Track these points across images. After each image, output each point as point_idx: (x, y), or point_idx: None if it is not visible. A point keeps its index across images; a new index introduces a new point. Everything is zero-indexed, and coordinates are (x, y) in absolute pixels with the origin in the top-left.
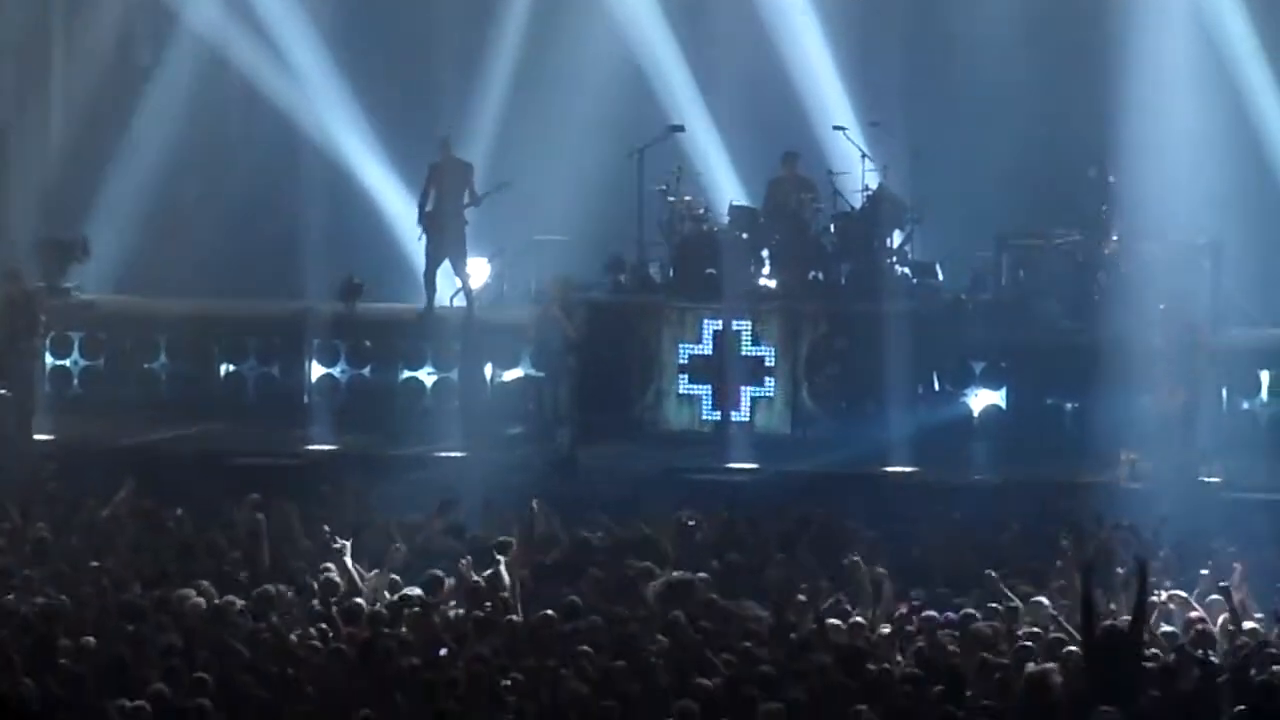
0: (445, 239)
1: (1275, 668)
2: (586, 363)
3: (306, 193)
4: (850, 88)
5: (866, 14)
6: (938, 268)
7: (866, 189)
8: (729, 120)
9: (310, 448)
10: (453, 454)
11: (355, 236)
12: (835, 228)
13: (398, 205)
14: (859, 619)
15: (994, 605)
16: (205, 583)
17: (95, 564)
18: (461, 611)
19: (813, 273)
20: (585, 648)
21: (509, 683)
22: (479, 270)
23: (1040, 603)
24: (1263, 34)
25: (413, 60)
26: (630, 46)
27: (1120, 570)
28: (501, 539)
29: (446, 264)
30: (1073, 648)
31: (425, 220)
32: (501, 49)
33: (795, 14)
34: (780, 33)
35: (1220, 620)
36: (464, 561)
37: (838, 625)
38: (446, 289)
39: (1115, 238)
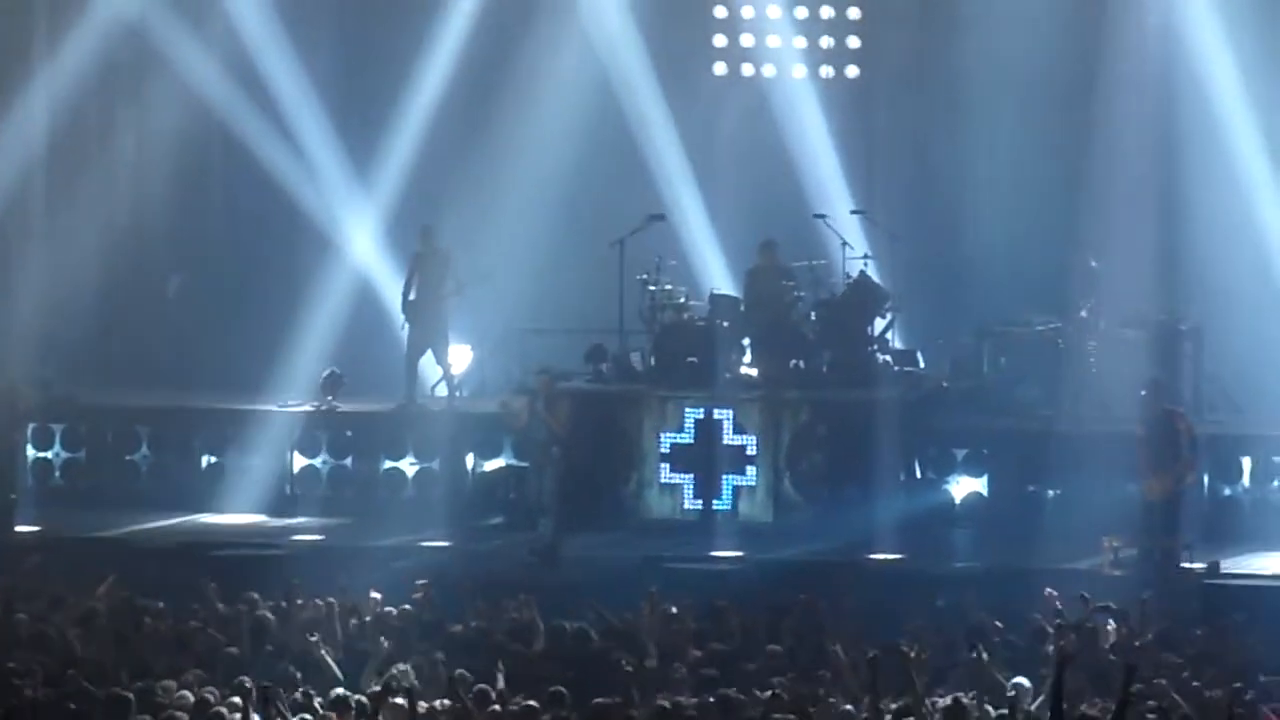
0: (427, 328)
1: None
2: (570, 453)
3: (295, 282)
4: (835, 176)
5: (851, 103)
6: (919, 355)
7: (848, 277)
8: (718, 205)
9: (294, 538)
10: (435, 543)
11: (343, 325)
12: (817, 316)
13: (391, 293)
14: (848, 707)
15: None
16: (190, 675)
17: (79, 656)
18: (446, 702)
19: (794, 361)
20: None
21: None
22: (460, 358)
23: (1023, 685)
24: (1258, 113)
25: (409, 142)
26: (620, 129)
27: (1111, 656)
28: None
29: (429, 353)
30: None
31: (408, 309)
32: (491, 138)
33: (784, 99)
34: (769, 118)
35: None
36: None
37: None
38: (429, 378)
39: (1096, 323)
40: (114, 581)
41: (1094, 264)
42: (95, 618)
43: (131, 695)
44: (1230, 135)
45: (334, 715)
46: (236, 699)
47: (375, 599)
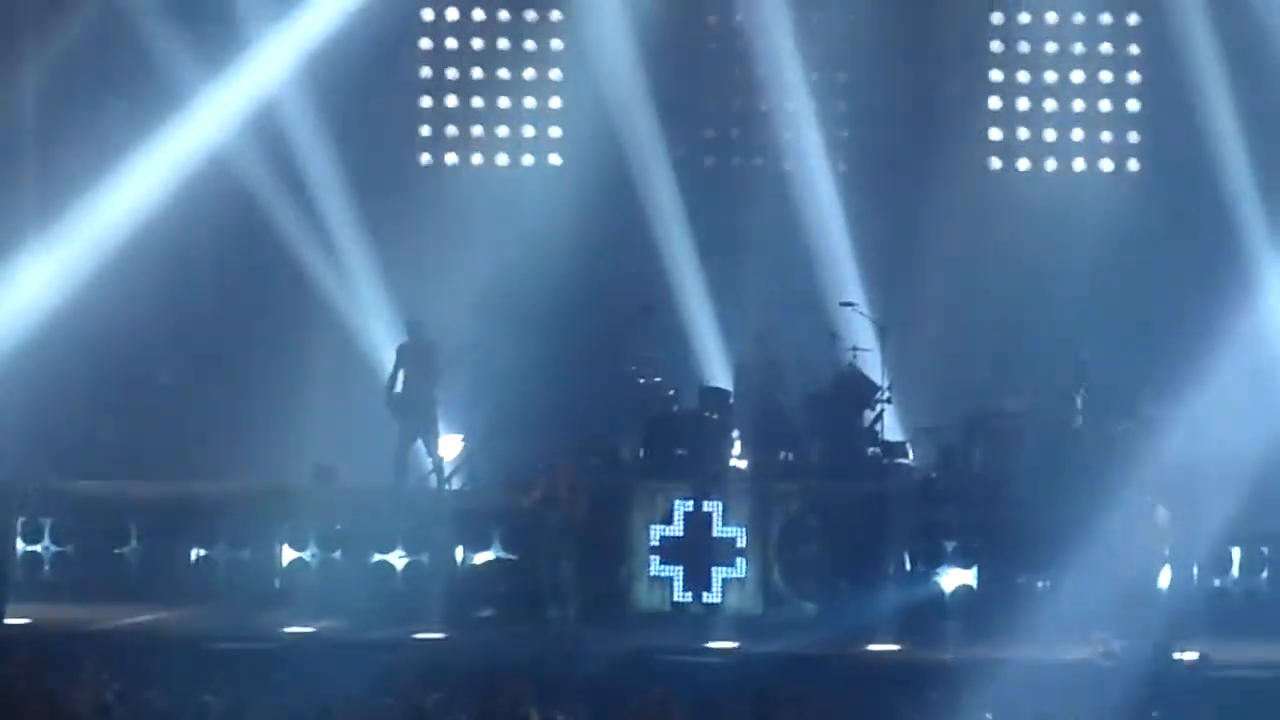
0: (416, 419)
1: None
2: (585, 540)
3: (290, 368)
4: (832, 267)
5: (843, 196)
6: (908, 447)
7: (837, 369)
8: (716, 295)
9: (286, 630)
10: (428, 636)
11: (339, 414)
12: (806, 408)
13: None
14: None
15: None
16: None
17: None
18: None
19: (784, 453)
20: None
21: None
22: (451, 448)
23: None
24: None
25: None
26: (617, 217)
27: None
28: None
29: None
30: None
31: (393, 402)
32: (487, 224)
33: (778, 191)
34: (765, 209)
35: None
36: None
37: None
38: (420, 470)
39: (1087, 414)
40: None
41: (1084, 356)
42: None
43: None
44: (1229, 228)
45: None
46: None
47: None
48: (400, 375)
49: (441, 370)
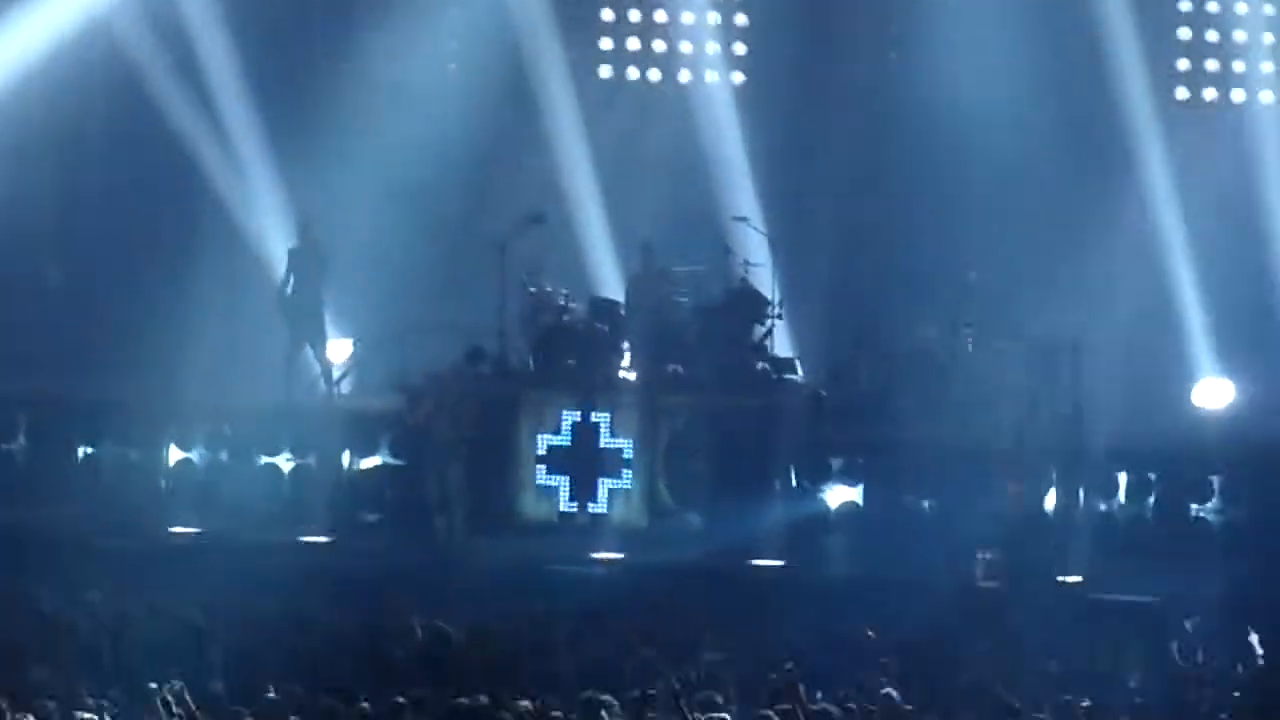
0: (305, 323)
1: None
2: (473, 451)
3: (179, 269)
4: (724, 181)
5: (739, 110)
6: (797, 364)
7: (729, 283)
8: (611, 207)
9: (172, 530)
10: (314, 539)
11: (228, 315)
12: (697, 321)
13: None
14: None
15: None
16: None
17: None
18: None
19: (673, 366)
20: None
21: None
22: (340, 352)
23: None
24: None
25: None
26: (513, 127)
27: None
28: None
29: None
30: None
31: (284, 305)
32: (379, 132)
33: (671, 105)
34: (659, 122)
35: None
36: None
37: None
38: (309, 373)
39: (974, 335)
40: None
41: (972, 276)
42: None
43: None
44: (1124, 149)
45: None
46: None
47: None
48: (291, 278)
49: (330, 272)
